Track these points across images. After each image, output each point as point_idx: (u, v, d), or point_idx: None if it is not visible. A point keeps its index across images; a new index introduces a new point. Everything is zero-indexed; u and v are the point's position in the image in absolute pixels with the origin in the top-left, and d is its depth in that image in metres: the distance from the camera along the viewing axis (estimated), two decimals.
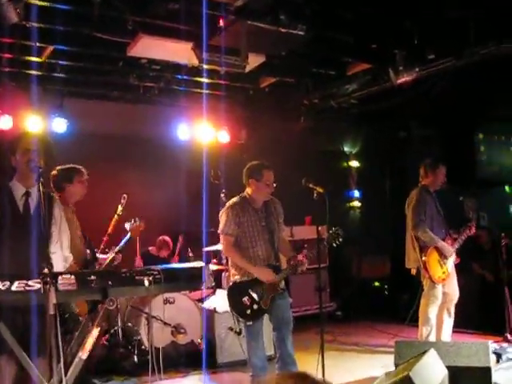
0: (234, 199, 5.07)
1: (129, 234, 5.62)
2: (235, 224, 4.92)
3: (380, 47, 6.47)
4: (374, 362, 6.35)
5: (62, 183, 5.15)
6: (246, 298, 4.84)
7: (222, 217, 5.01)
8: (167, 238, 7.96)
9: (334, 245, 5.13)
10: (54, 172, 5.17)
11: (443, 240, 6.16)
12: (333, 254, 8.72)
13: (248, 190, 5.05)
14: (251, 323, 4.87)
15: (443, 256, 6.09)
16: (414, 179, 6.59)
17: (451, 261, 6.18)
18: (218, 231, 5.05)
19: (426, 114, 9.01)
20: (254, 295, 4.84)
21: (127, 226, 5.63)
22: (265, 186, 4.93)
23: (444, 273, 6.10)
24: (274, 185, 4.95)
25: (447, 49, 6.29)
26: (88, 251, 5.21)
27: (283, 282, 5.02)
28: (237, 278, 4.96)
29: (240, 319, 5.07)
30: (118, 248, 5.51)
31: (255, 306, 4.83)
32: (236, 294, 4.92)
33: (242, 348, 6.34)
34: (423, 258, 6.03)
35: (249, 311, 4.83)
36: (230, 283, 5.05)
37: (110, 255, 5.49)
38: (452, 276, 6.23)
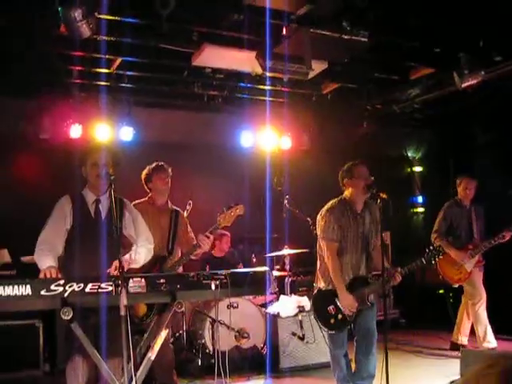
0: (333, 201, 4.91)
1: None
2: (338, 228, 4.75)
3: (444, 51, 6.38)
4: (438, 371, 6.24)
5: (146, 184, 5.54)
6: (331, 307, 4.73)
7: (322, 221, 4.84)
8: (223, 231, 7.45)
9: (433, 262, 4.94)
10: (144, 171, 5.56)
11: (465, 245, 6.62)
12: (396, 261, 8.62)
13: (346, 193, 4.91)
14: (333, 333, 4.80)
15: (455, 260, 6.57)
16: (479, 184, 6.54)
17: (471, 262, 6.54)
18: (319, 236, 4.88)
19: (492, 117, 8.80)
20: (340, 306, 4.71)
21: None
22: (359, 182, 4.76)
23: (461, 272, 6.57)
24: (372, 178, 4.77)
25: None
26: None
27: (372, 296, 4.81)
28: (322, 285, 4.85)
29: (323, 327, 4.87)
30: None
31: (340, 316, 4.72)
32: (321, 301, 4.83)
33: (305, 353, 6.40)
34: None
35: (333, 320, 4.73)
36: (315, 290, 4.96)
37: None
38: (477, 278, 6.63)
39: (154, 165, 5.53)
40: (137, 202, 5.33)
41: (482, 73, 6.38)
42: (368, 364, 4.79)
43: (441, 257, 4.98)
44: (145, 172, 5.56)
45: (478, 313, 6.52)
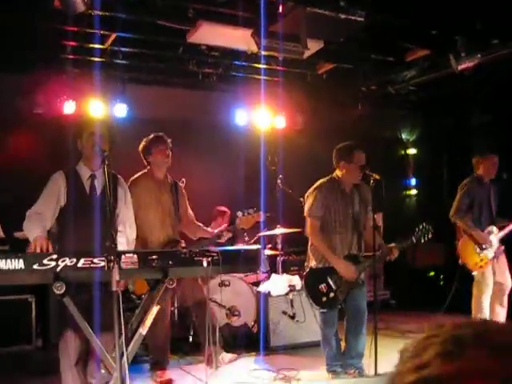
0: (322, 180, 4.95)
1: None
2: (322, 206, 4.79)
3: (440, 33, 6.36)
4: None
5: (144, 157, 5.32)
6: (323, 285, 4.78)
7: (309, 198, 4.90)
8: (223, 208, 7.59)
9: (423, 240, 5.01)
10: (142, 143, 5.35)
11: (485, 228, 6.17)
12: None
13: (338, 172, 4.93)
14: (325, 311, 4.84)
15: (479, 244, 6.10)
16: (472, 167, 6.51)
17: (492, 249, 6.15)
18: (304, 213, 4.93)
19: (487, 100, 8.80)
20: (332, 283, 4.76)
21: (239, 214, 5.09)
22: (356, 168, 4.80)
23: (482, 260, 6.10)
24: (368, 171, 4.78)
25: (511, 34, 6.14)
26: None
27: (363, 274, 4.88)
28: (313, 263, 4.89)
29: (314, 305, 4.95)
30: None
31: (331, 295, 4.77)
32: (313, 280, 4.87)
33: (295, 332, 6.46)
34: (457, 243, 6.05)
35: (324, 298, 4.78)
36: (307, 269, 4.99)
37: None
38: (502, 265, 6.23)
39: (152, 136, 5.34)
40: (136, 176, 5.25)
41: (479, 56, 6.37)
42: (357, 343, 4.85)
43: (430, 236, 5.00)
44: (143, 144, 5.35)
45: (482, 305, 6.14)
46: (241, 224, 5.06)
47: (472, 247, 6.13)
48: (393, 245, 4.89)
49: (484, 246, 6.11)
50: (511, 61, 6.62)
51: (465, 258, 6.19)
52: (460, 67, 6.52)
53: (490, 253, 6.14)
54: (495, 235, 6.21)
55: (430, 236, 4.98)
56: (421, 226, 4.99)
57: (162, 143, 5.29)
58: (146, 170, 5.34)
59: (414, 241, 4.95)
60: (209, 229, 5.54)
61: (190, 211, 5.51)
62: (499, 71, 7.19)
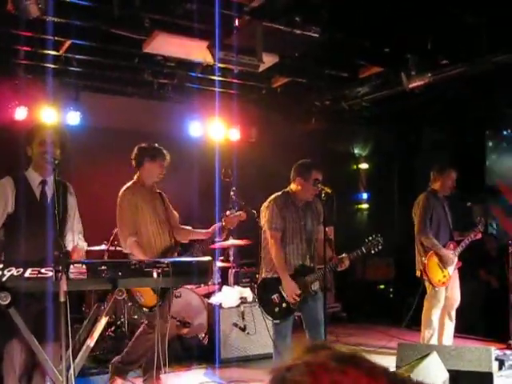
0: (277, 194, 4.99)
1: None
2: (281, 218, 4.84)
3: (393, 51, 6.51)
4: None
5: (144, 157, 5.13)
6: (275, 296, 4.79)
7: (266, 212, 4.92)
8: None
9: (373, 252, 5.05)
10: (139, 147, 5.19)
11: (446, 244, 6.20)
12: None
13: (292, 187, 4.98)
14: (278, 322, 4.83)
15: (443, 261, 6.14)
16: (423, 183, 6.62)
17: (453, 265, 6.21)
18: (263, 227, 4.94)
19: (438, 118, 9.04)
20: (284, 294, 4.78)
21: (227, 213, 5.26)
22: (311, 186, 4.84)
23: (445, 276, 6.14)
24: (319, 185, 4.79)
25: (460, 55, 6.33)
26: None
27: (317, 284, 4.90)
28: (265, 274, 4.91)
29: (268, 317, 4.91)
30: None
31: (284, 305, 4.78)
32: (265, 290, 4.88)
33: (246, 344, 6.45)
34: (423, 260, 6.11)
35: (277, 309, 4.78)
36: (260, 279, 5.01)
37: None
38: (454, 280, 6.27)
39: (153, 147, 5.19)
40: (129, 185, 5.09)
41: (429, 75, 6.54)
42: None
43: (380, 247, 5.06)
44: (140, 153, 5.17)
45: (432, 319, 6.15)
46: (227, 224, 5.15)
47: (436, 264, 6.15)
48: (344, 255, 4.95)
49: (448, 264, 6.17)
50: (460, 80, 6.83)
51: (430, 276, 6.12)
52: (411, 85, 6.68)
53: (451, 269, 6.21)
54: (455, 251, 6.25)
55: (380, 247, 5.05)
56: (370, 238, 5.06)
57: (163, 158, 5.19)
58: (135, 179, 5.16)
59: (364, 251, 5.02)
60: (202, 230, 5.48)
61: (177, 216, 5.45)
62: (449, 90, 7.39)
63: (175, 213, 5.43)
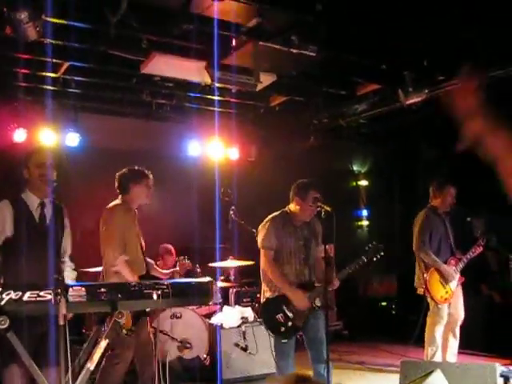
0: (275, 214, 4.99)
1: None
2: (275, 238, 4.82)
3: (390, 68, 6.53)
4: (379, 382, 6.34)
5: (129, 183, 4.99)
6: (280, 315, 4.74)
7: (262, 230, 4.91)
8: (169, 246, 7.64)
9: (375, 259, 4.99)
10: (122, 171, 5.06)
11: (447, 260, 6.18)
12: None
13: (291, 206, 4.99)
14: (286, 341, 4.76)
15: (444, 277, 6.11)
16: (423, 199, 6.62)
17: (455, 281, 6.18)
18: (258, 245, 4.92)
19: (436, 134, 9.04)
20: (289, 312, 4.73)
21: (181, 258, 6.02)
22: (308, 206, 4.83)
23: (447, 293, 6.11)
24: (319, 204, 4.74)
25: (456, 71, 6.33)
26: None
27: (319, 300, 4.84)
28: (268, 294, 4.86)
29: (274, 337, 4.85)
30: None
31: (289, 324, 4.73)
32: (270, 310, 4.82)
33: (247, 365, 6.39)
34: (425, 277, 6.08)
35: (283, 329, 4.73)
36: (263, 299, 4.95)
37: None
38: (457, 296, 6.24)
39: (133, 170, 5.06)
40: (116, 203, 4.95)
41: (426, 91, 6.57)
42: (319, 370, 4.78)
43: (381, 254, 5.01)
44: (123, 179, 5.04)
45: (435, 336, 6.11)
46: (180, 269, 5.58)
47: (438, 280, 6.11)
48: (334, 275, 4.91)
49: (449, 279, 6.13)
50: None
51: (432, 293, 6.09)
52: (408, 102, 6.71)
53: (453, 285, 6.16)
54: (456, 267, 6.21)
55: (381, 253, 5.01)
56: (370, 245, 5.03)
57: (148, 177, 5.07)
58: (120, 202, 5.00)
59: (365, 260, 4.97)
60: (163, 270, 5.50)
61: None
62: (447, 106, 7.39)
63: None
